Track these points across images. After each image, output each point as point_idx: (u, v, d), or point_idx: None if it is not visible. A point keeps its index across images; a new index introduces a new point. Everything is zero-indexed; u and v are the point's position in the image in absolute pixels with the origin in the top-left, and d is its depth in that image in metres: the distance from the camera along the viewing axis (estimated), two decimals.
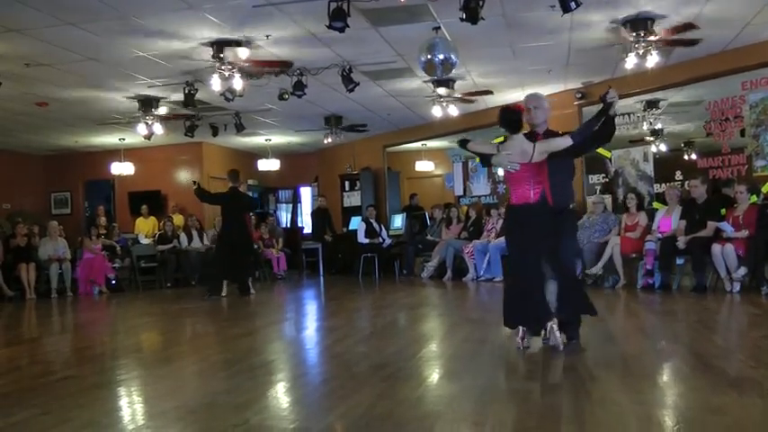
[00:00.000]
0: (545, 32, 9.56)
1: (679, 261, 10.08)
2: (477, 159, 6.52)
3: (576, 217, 7.19)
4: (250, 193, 15.35)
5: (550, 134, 5.84)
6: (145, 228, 16.77)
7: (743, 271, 9.08)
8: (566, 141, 5.64)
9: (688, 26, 9.28)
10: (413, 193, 18.57)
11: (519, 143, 5.64)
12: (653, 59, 9.45)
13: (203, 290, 12.35)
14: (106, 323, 10.03)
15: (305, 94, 10.88)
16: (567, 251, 5.89)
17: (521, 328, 5.57)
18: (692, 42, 9.73)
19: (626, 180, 12.74)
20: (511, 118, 5.70)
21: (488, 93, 12.67)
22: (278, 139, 17.73)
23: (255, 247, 14.31)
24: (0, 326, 9.97)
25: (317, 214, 17.72)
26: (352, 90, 10.74)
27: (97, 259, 13.87)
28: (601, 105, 5.72)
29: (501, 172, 15.46)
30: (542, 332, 5.56)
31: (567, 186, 5.98)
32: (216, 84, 9.85)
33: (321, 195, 18.15)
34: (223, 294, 11.70)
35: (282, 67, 10.34)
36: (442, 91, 11.97)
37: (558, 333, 5.48)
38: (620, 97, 12.31)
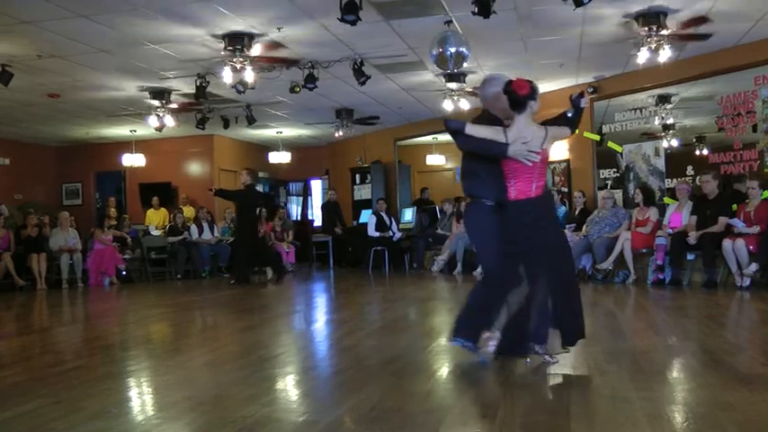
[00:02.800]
0: (557, 26, 9.54)
1: (690, 256, 10.04)
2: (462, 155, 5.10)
3: None
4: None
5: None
6: (155, 219, 16.84)
7: (754, 267, 9.04)
8: (567, 131, 5.14)
9: (700, 20, 9.24)
10: (424, 186, 18.56)
11: (531, 127, 4.82)
12: (665, 54, 9.43)
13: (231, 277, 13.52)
14: (116, 314, 10.06)
15: (316, 86, 10.89)
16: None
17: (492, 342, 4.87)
18: (704, 36, 9.66)
19: (637, 175, 12.69)
20: (521, 95, 4.74)
21: None
22: (289, 131, 17.76)
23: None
24: (11, 316, 10.02)
25: (327, 207, 17.73)
26: (363, 83, 10.75)
27: (108, 250, 13.92)
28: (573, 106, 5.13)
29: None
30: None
31: None
32: (227, 76, 9.87)
33: (331, 188, 18.16)
34: (269, 278, 13.55)
35: (290, 63, 10.34)
36: (452, 85, 11.95)
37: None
38: (633, 92, 12.48)
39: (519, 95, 4.73)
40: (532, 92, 4.77)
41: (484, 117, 5.06)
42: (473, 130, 4.85)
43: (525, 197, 4.80)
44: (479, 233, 5.11)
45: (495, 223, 4.89)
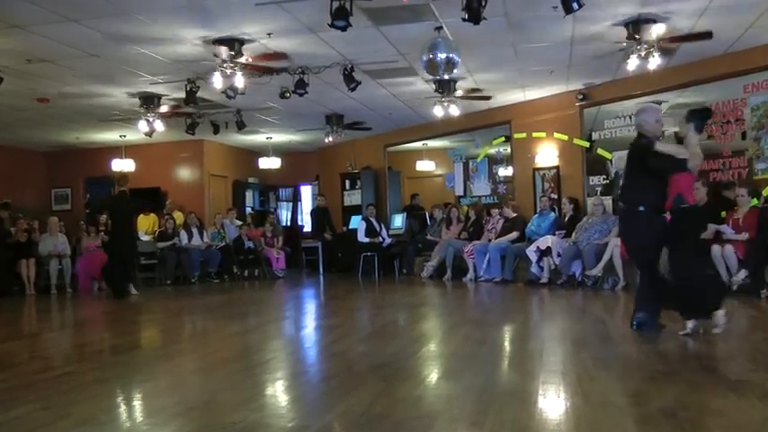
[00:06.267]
0: (547, 33, 9.56)
1: None
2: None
3: None
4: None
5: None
6: (145, 225, 16.70)
7: (743, 274, 9.06)
8: None
9: (690, 28, 9.28)
10: (414, 192, 18.57)
11: (695, 143, 6.22)
12: (655, 61, 9.46)
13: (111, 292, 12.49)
14: (105, 320, 10.02)
15: (306, 92, 10.88)
16: None
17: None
18: (707, 35, 9.56)
19: None
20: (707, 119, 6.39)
21: (487, 98, 12.73)
22: (279, 137, 17.74)
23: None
24: (0, 321, 9.97)
25: (316, 213, 17.71)
26: (353, 89, 10.74)
27: (97, 255, 13.85)
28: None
29: (502, 172, 15.65)
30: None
31: None
32: (218, 81, 9.85)
33: (320, 194, 18.13)
34: (134, 293, 12.34)
35: (280, 59, 10.30)
36: (442, 92, 11.96)
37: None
38: (623, 99, 12.47)
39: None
40: None
41: (644, 141, 6.40)
42: (661, 146, 6.33)
43: (694, 203, 6.27)
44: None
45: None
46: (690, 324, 6.12)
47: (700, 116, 6.31)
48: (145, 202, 13.25)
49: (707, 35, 9.42)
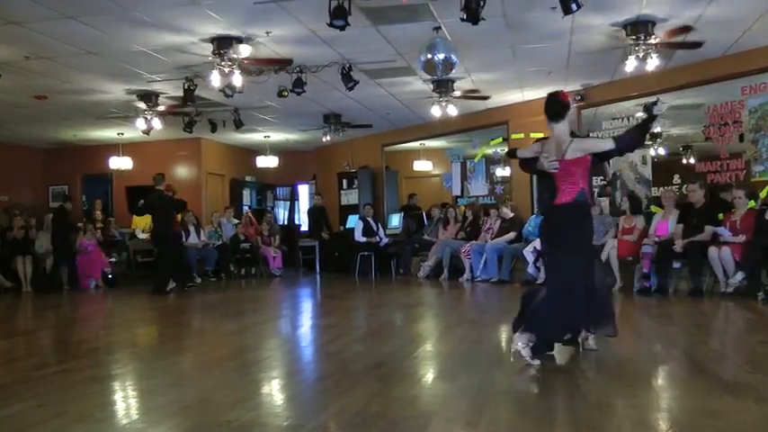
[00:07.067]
0: (545, 34, 9.56)
1: (676, 265, 10.06)
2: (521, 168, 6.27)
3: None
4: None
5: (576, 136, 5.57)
6: (142, 223, 16.70)
7: (740, 276, 9.05)
8: (607, 144, 5.55)
9: (688, 30, 9.29)
10: (411, 192, 18.56)
11: (555, 138, 5.36)
12: (653, 63, 9.47)
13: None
14: (102, 317, 10.01)
15: (304, 91, 10.87)
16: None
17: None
18: (696, 45, 9.68)
19: (624, 183, 12.73)
20: (555, 105, 5.45)
21: (485, 98, 12.71)
22: (276, 136, 17.73)
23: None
24: None
25: (313, 212, 17.69)
26: (351, 88, 10.73)
27: (94, 253, 13.83)
28: (645, 114, 5.56)
29: (500, 172, 15.67)
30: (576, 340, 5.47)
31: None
32: (216, 80, 9.82)
33: (317, 193, 18.11)
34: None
35: (282, 64, 10.32)
36: (440, 91, 11.95)
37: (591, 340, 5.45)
38: (620, 100, 12.46)
39: (563, 103, 5.47)
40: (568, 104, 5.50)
41: None
42: (522, 153, 5.76)
43: (559, 203, 5.33)
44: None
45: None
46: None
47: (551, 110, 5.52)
48: (180, 201, 13.24)
49: (696, 45, 9.51)
